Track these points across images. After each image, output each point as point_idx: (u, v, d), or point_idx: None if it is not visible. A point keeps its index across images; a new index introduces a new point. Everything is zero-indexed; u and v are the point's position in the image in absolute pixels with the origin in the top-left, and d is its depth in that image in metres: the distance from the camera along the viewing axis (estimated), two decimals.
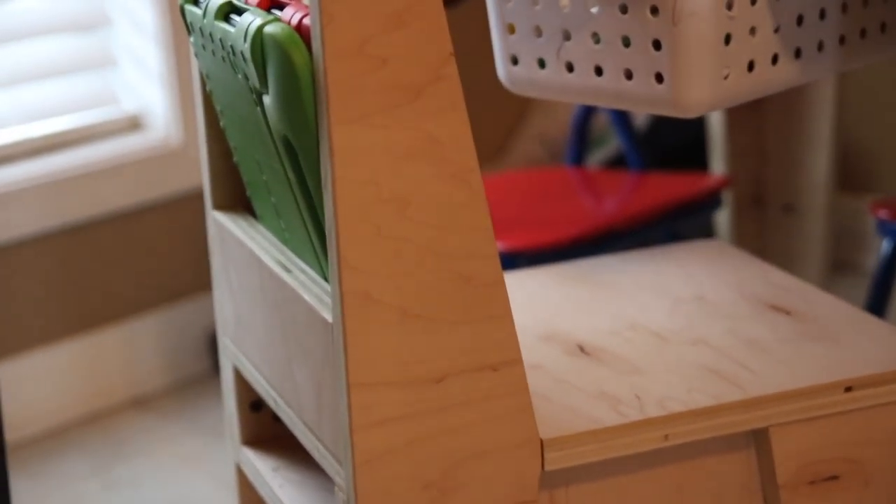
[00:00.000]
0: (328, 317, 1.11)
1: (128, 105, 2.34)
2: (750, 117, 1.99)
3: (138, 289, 2.31)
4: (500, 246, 1.76)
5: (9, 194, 2.15)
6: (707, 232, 2.19)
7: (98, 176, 2.23)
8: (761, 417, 1.20)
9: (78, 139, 2.27)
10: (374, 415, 1.08)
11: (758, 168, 2.02)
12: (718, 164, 2.03)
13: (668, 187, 1.92)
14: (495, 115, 2.60)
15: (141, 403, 2.29)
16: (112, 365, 2.28)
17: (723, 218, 2.05)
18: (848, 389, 1.22)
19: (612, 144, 2.46)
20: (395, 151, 1.06)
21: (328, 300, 1.13)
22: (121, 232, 2.28)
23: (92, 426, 2.23)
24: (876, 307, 1.83)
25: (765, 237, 2.04)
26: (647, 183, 1.97)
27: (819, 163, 2.00)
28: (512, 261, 1.75)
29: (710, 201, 1.91)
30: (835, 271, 2.46)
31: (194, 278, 2.34)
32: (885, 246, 1.81)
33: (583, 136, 2.08)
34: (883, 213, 1.76)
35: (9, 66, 2.23)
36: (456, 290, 1.09)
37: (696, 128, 2.28)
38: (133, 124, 2.33)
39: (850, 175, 2.61)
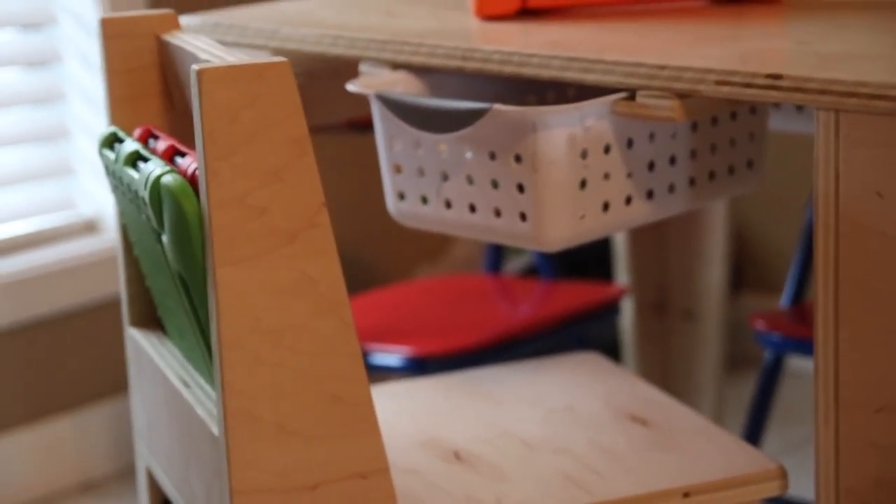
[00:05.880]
0: (216, 431, 1.26)
1: (84, 210, 2.50)
2: (652, 229, 2.14)
3: (90, 379, 2.46)
4: (411, 351, 1.91)
5: None
6: (613, 337, 2.34)
7: (56, 276, 2.38)
8: None
9: (37, 241, 2.42)
10: None
11: (660, 277, 2.18)
12: (622, 274, 2.19)
13: (571, 296, 2.08)
14: None
15: (90, 488, 2.44)
16: (64, 451, 2.43)
17: (628, 323, 2.21)
18: (686, 495, 1.37)
19: (529, 253, 2.62)
20: (273, 289, 1.22)
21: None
22: (75, 327, 2.43)
23: None
24: (760, 411, 1.98)
25: (667, 341, 2.19)
26: (554, 291, 2.13)
27: (714, 271, 2.15)
28: (421, 365, 1.90)
29: (609, 309, 2.07)
30: (736, 367, 2.62)
31: None
32: (766, 356, 1.97)
33: (498, 245, 2.24)
34: (760, 325, 1.91)
35: None
36: (328, 409, 1.24)
37: (605, 239, 2.44)
38: (89, 228, 2.49)
39: (751, 275, 2.77)
